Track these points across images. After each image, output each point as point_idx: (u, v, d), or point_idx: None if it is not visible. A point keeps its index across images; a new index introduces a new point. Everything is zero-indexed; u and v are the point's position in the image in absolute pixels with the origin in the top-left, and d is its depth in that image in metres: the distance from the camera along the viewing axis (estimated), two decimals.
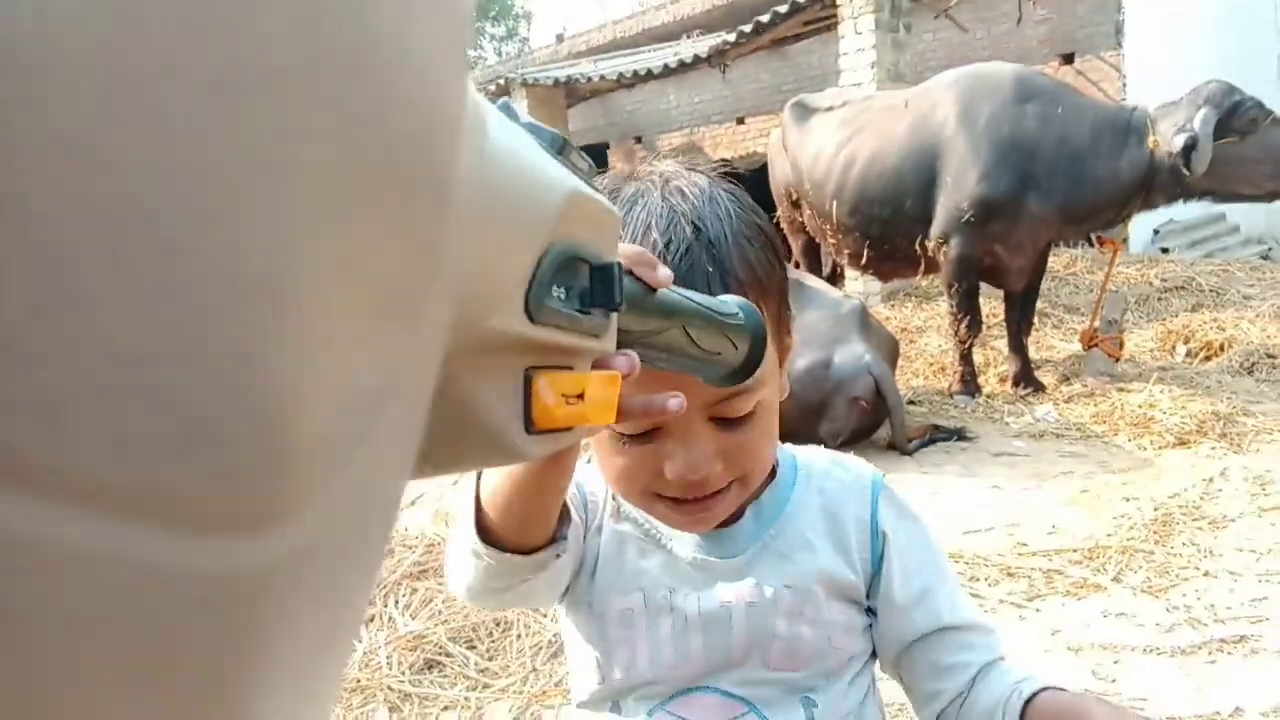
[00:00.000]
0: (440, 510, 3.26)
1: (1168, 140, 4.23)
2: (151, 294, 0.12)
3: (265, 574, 0.15)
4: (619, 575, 0.78)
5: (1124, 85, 8.96)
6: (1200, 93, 4.31)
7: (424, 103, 0.17)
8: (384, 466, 0.20)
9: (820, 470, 0.82)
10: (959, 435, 4.21)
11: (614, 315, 0.35)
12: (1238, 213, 10.51)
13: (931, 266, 4.95)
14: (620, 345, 0.37)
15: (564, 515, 0.68)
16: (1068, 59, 9.53)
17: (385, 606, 2.61)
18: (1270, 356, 5.06)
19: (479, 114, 0.24)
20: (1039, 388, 4.84)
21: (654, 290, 0.42)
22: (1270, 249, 9.73)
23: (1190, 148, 4.13)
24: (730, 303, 0.54)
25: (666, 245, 0.67)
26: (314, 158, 0.14)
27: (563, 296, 0.31)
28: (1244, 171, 4.30)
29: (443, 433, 0.25)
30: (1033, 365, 5.04)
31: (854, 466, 0.84)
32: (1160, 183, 4.33)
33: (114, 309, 0.12)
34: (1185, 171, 4.19)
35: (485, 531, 0.65)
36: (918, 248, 4.83)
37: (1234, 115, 4.23)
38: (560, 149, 0.33)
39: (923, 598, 0.78)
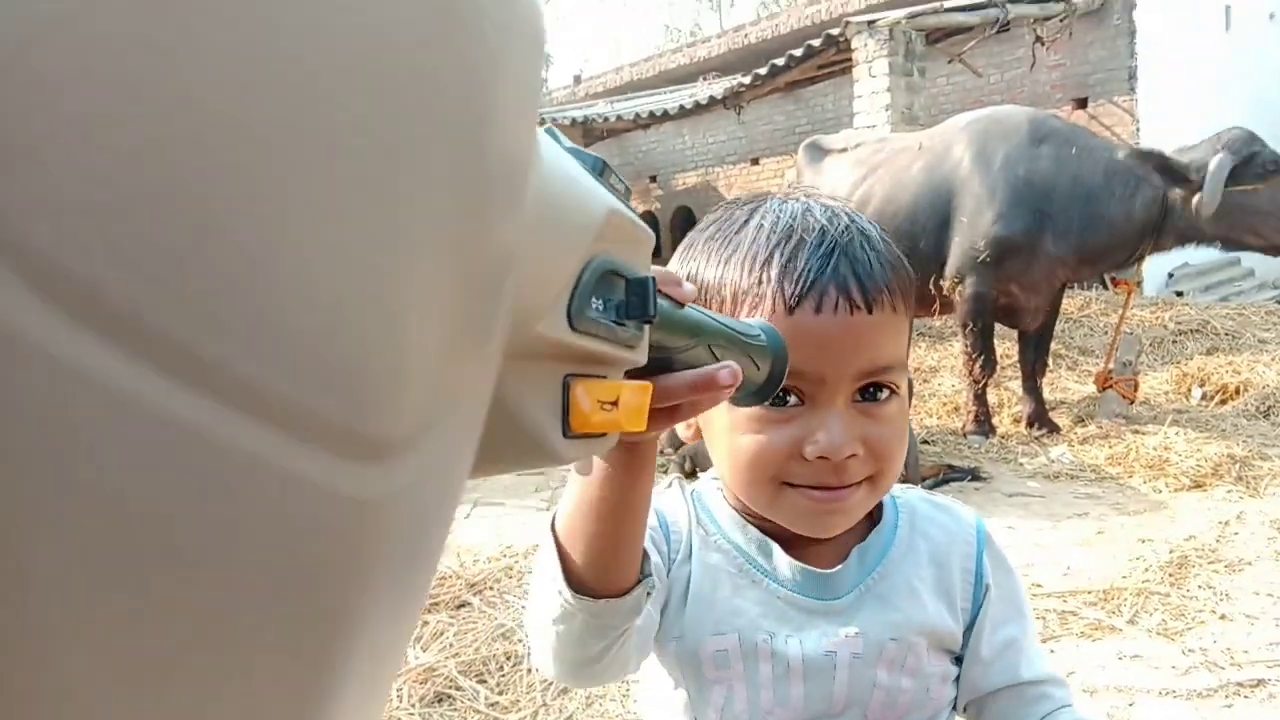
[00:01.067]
0: (451, 543, 3.27)
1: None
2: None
3: (380, 501, 0.18)
4: (711, 612, 0.74)
5: (1137, 130, 9.01)
6: (1221, 138, 4.33)
7: (514, 136, 0.21)
8: (466, 435, 0.23)
9: (924, 515, 0.80)
10: (973, 475, 4.20)
11: (647, 328, 0.38)
12: (1252, 257, 10.48)
13: (946, 306, 4.96)
14: (652, 359, 0.40)
15: (644, 553, 0.63)
16: (1081, 103, 9.60)
17: None
18: None
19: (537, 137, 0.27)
20: (1053, 429, 4.83)
21: (682, 305, 0.44)
22: None
23: (1199, 191, 4.15)
24: (754, 325, 0.57)
25: (821, 230, 0.69)
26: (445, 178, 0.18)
27: (600, 308, 0.33)
28: (1254, 222, 4.31)
29: (489, 433, 0.27)
30: (1047, 406, 5.02)
31: (956, 510, 0.82)
32: (1171, 225, 4.35)
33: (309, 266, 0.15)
34: (1193, 216, 4.20)
35: (573, 580, 0.60)
36: (931, 287, 4.85)
37: (1250, 164, 4.24)
38: (600, 171, 0.35)
39: (1004, 651, 0.77)
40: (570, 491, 0.58)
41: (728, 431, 0.70)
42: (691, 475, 4.26)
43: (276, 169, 0.14)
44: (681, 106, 10.09)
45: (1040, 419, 4.86)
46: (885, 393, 0.70)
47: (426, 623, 2.69)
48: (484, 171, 0.19)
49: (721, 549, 0.76)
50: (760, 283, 0.68)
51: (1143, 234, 4.42)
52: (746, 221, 0.72)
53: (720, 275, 0.71)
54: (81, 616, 0.13)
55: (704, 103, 9.89)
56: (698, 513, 0.78)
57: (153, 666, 0.14)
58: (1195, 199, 4.22)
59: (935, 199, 4.77)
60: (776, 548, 0.75)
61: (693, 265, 0.73)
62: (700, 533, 0.77)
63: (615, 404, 0.36)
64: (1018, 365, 5.05)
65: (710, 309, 0.54)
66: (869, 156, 5.27)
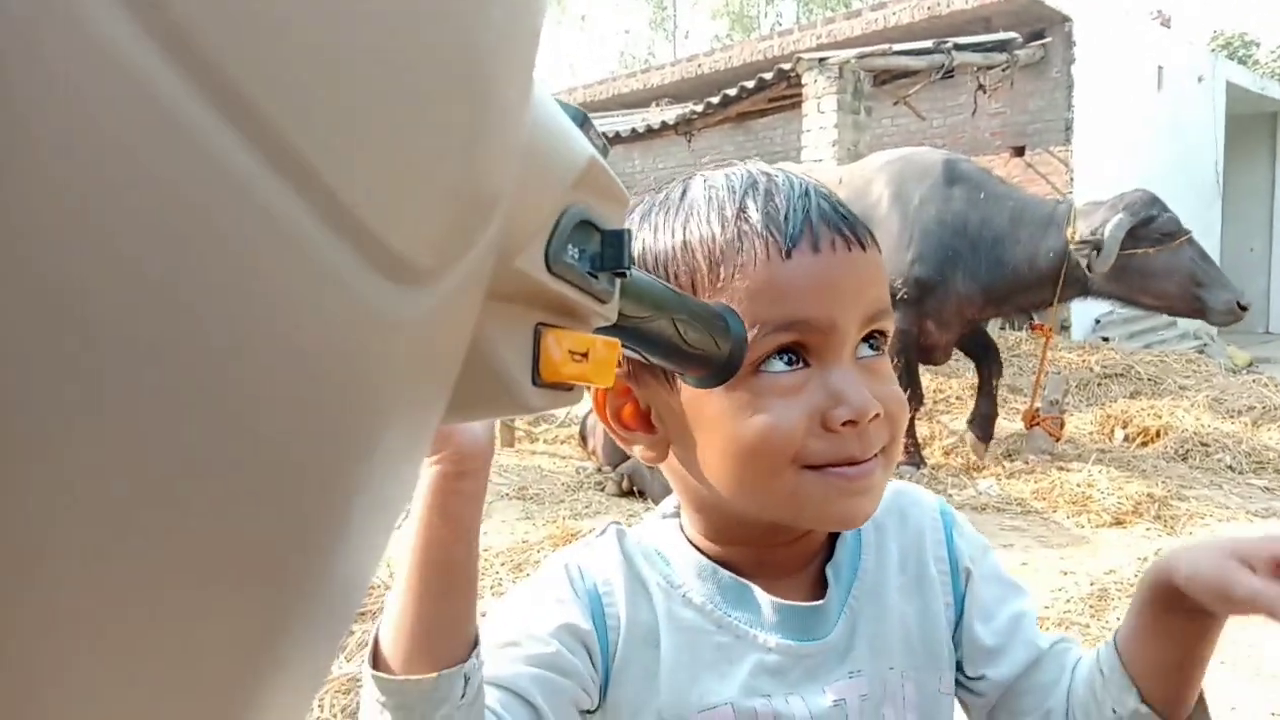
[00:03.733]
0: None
1: (1082, 237, 4.43)
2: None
3: (404, 322, 0.18)
4: (695, 684, 0.63)
5: (1071, 179, 9.35)
6: (1124, 198, 4.53)
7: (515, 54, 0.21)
8: (467, 308, 0.23)
9: (884, 506, 0.68)
10: None
11: (618, 283, 0.38)
12: None
13: None
14: (614, 327, 0.39)
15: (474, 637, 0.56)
16: (1019, 151, 9.93)
17: None
18: (1204, 445, 5.22)
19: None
20: (984, 439, 4.98)
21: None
22: (1206, 344, 10.09)
23: (1094, 248, 4.33)
24: (715, 306, 0.57)
25: (784, 177, 0.64)
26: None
27: (576, 256, 0.33)
28: (1146, 283, 4.51)
29: (463, 375, 0.27)
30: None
31: (913, 493, 0.74)
32: (1071, 276, 4.51)
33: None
34: (1087, 270, 4.38)
35: (379, 660, 0.54)
36: None
37: (1148, 226, 4.44)
38: (582, 122, 0.35)
39: (1015, 630, 0.69)
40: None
41: (726, 420, 0.59)
42: (630, 494, 4.26)
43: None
44: (634, 129, 10.16)
45: (984, 424, 5.01)
46: (883, 346, 0.64)
47: (352, 632, 2.63)
48: (487, 103, 0.20)
49: (693, 604, 0.65)
50: (741, 235, 0.60)
51: (1046, 280, 4.59)
52: (686, 191, 0.65)
53: (683, 239, 0.62)
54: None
55: (656, 127, 9.96)
56: (648, 568, 0.67)
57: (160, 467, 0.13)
58: (1078, 250, 4.40)
59: None
60: (755, 589, 0.66)
61: (638, 245, 0.64)
62: (661, 591, 0.66)
63: (585, 356, 0.36)
64: (947, 400, 5.17)
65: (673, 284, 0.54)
66: None
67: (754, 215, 0.61)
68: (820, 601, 0.66)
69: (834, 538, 0.69)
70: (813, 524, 0.64)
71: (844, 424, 0.58)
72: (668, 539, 0.69)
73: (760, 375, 0.59)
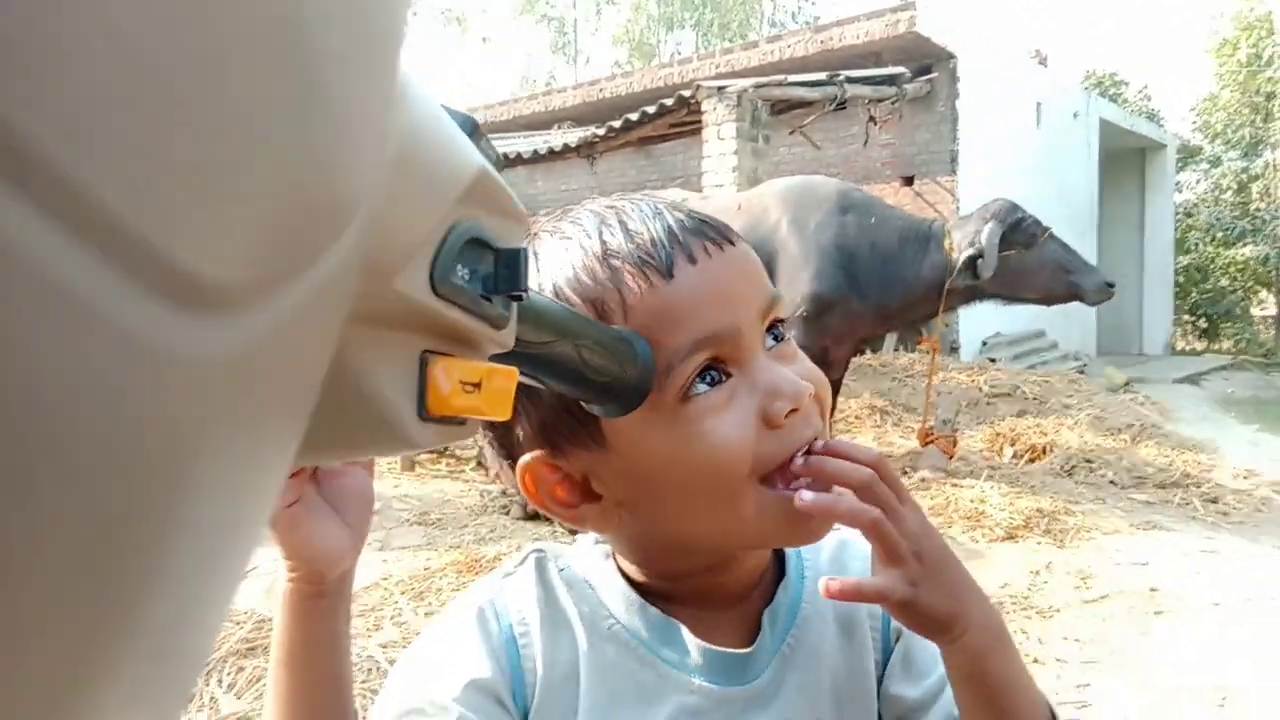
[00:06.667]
0: (273, 587, 3.05)
1: (960, 249, 4.80)
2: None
3: (218, 361, 0.15)
4: None
5: (958, 209, 9.73)
6: (988, 209, 4.91)
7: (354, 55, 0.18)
8: (314, 334, 0.19)
9: (825, 556, 0.70)
10: None
11: (514, 308, 0.34)
12: (1056, 329, 11.49)
13: None
14: (512, 353, 0.36)
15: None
16: (908, 180, 10.32)
17: (208, 685, 2.39)
18: (1088, 461, 5.46)
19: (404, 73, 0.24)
20: None
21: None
22: (1085, 364, 10.62)
23: (977, 256, 4.70)
24: (621, 331, 0.54)
25: (632, 205, 0.61)
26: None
27: (466, 278, 0.31)
28: (1024, 279, 4.90)
29: (332, 407, 0.24)
30: None
31: (860, 549, 0.69)
32: (956, 286, 4.86)
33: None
34: (974, 278, 4.75)
35: None
36: None
37: (1016, 230, 4.84)
38: (471, 131, 0.32)
39: (940, 693, 0.64)
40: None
41: (673, 458, 0.57)
42: (535, 518, 4.18)
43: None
44: (536, 151, 10.13)
45: None
46: (785, 332, 0.63)
47: (242, 669, 2.49)
48: (318, 94, 0.16)
49: (618, 638, 0.63)
50: (615, 272, 0.57)
51: (933, 293, 4.93)
52: (539, 252, 0.61)
53: (565, 299, 0.58)
54: None
55: (558, 150, 9.96)
56: (570, 600, 0.65)
57: None
58: (965, 261, 4.75)
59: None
60: (683, 629, 0.63)
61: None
62: (583, 624, 0.63)
63: (478, 386, 0.32)
64: (848, 420, 5.28)
65: None
66: None
67: (620, 249, 0.58)
68: (748, 650, 0.64)
69: (776, 581, 0.67)
70: (779, 543, 0.63)
71: (788, 415, 0.56)
72: (597, 567, 0.67)
73: (690, 402, 0.56)
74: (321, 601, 0.54)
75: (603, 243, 0.58)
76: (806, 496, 0.55)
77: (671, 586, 0.65)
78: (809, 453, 0.57)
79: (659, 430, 0.56)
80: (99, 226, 0.12)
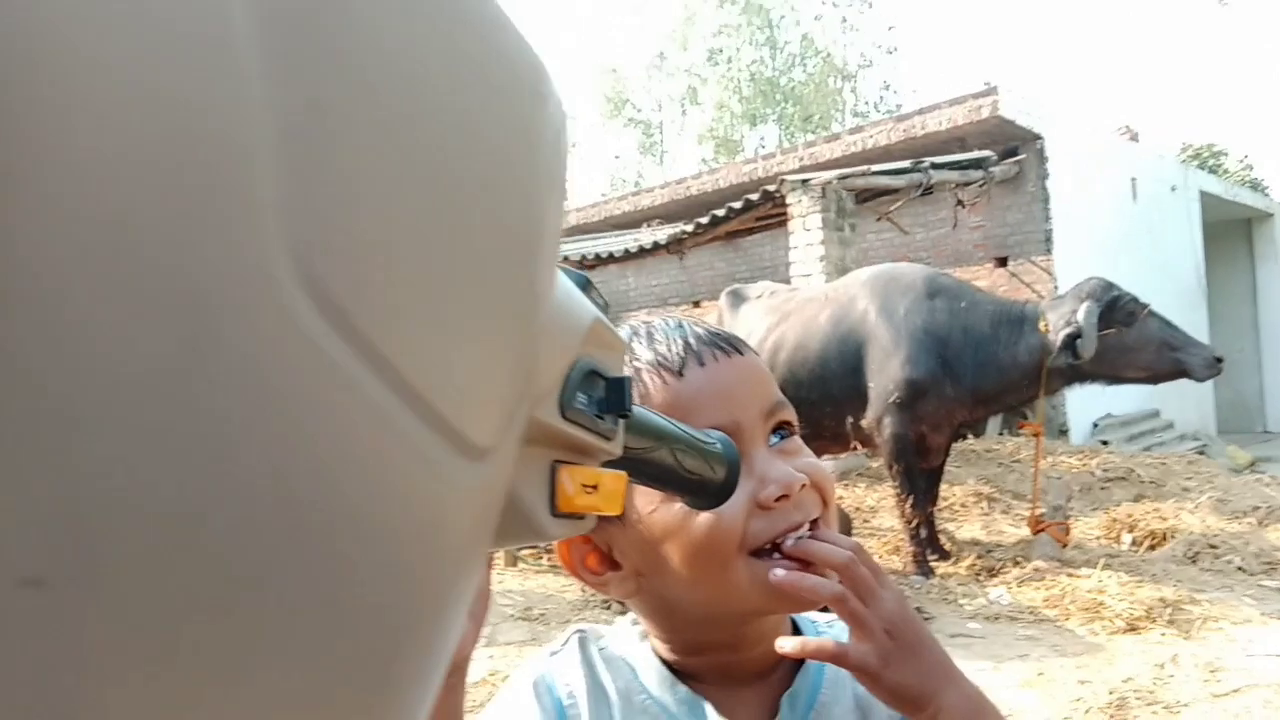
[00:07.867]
0: None
1: (1056, 330, 4.69)
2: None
3: (475, 488, 0.22)
4: None
5: (1056, 288, 9.51)
6: (1082, 288, 4.82)
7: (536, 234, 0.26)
8: (511, 461, 0.27)
9: None
10: None
11: (622, 423, 0.42)
12: (1171, 409, 10.99)
13: (865, 441, 5.25)
14: (620, 459, 0.44)
15: None
16: (1002, 261, 10.14)
17: None
18: (1212, 547, 5.17)
19: None
20: (943, 555, 5.12)
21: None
22: (1205, 445, 10.09)
23: (1076, 336, 4.59)
24: (711, 434, 0.61)
25: (659, 322, 0.72)
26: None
27: (585, 402, 0.37)
28: (1127, 358, 4.78)
29: None
30: (963, 543, 5.23)
31: None
32: (1054, 368, 4.75)
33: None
34: (1074, 359, 4.63)
35: None
36: (848, 427, 5.18)
37: (1114, 308, 4.73)
38: (585, 286, 0.41)
39: None
40: None
41: (676, 530, 0.65)
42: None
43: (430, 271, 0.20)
44: (626, 250, 10.41)
45: (931, 544, 5.13)
46: (792, 432, 0.70)
47: None
48: (534, 280, 0.25)
49: (649, 711, 0.69)
50: (637, 373, 0.68)
51: (1030, 376, 4.83)
52: None
53: None
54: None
55: (648, 247, 10.21)
56: (609, 676, 0.71)
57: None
58: (1064, 340, 4.64)
59: (843, 347, 5.19)
60: (708, 707, 0.68)
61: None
62: (620, 699, 0.69)
63: (595, 488, 0.39)
64: (953, 508, 5.15)
65: None
66: (780, 305, 5.73)
67: (643, 355, 0.69)
68: None
69: (796, 668, 0.72)
70: (769, 611, 0.68)
71: (777, 500, 0.64)
72: (633, 646, 0.73)
73: None
74: (453, 678, 0.56)
75: (630, 350, 0.69)
76: (778, 573, 0.62)
77: (697, 663, 0.70)
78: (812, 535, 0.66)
79: (664, 506, 0.65)
80: (418, 400, 0.19)
